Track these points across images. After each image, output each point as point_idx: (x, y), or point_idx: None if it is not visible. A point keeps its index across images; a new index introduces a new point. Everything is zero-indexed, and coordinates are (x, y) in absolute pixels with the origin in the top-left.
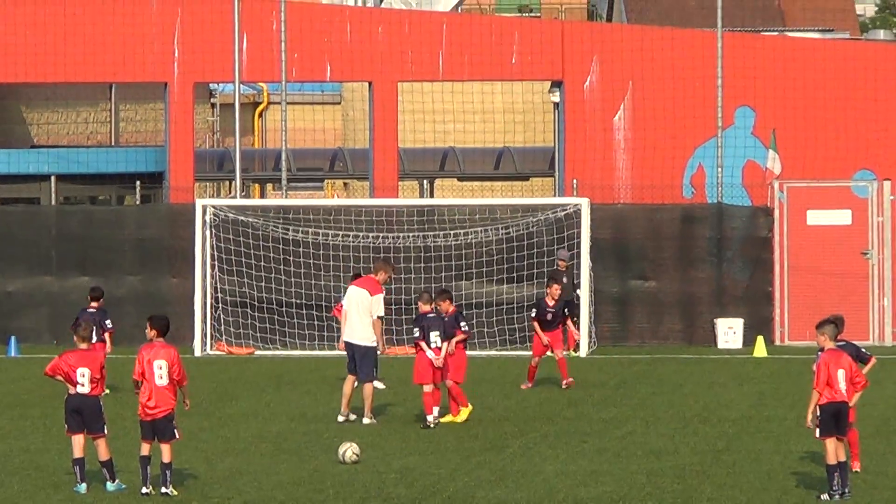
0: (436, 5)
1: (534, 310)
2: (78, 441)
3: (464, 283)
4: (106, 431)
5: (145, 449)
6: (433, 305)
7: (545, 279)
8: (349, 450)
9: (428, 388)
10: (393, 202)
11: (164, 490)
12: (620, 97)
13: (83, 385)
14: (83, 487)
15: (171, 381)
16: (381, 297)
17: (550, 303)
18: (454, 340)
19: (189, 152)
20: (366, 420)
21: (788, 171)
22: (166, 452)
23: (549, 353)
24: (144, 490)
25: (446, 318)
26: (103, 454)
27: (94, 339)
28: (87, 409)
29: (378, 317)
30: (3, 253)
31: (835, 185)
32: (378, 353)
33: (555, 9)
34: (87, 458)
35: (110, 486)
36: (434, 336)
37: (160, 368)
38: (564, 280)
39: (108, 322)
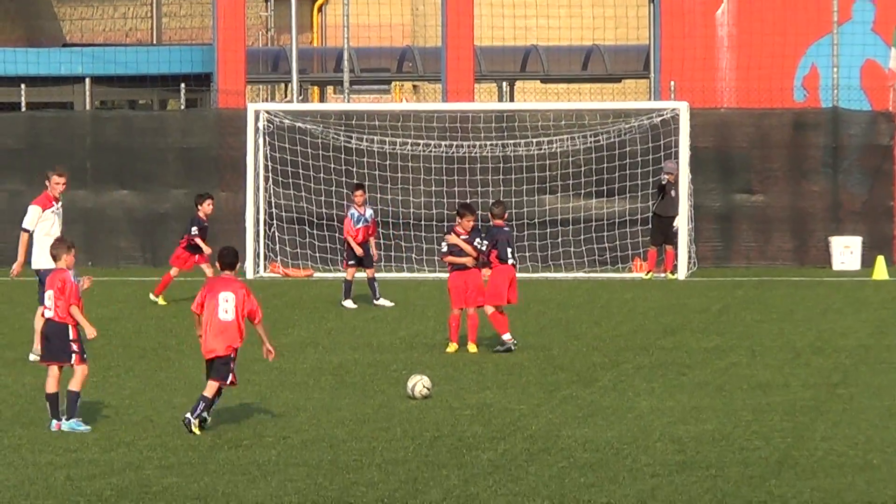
0: None
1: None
2: (51, 373)
3: (547, 197)
4: (75, 361)
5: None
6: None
7: (639, 192)
8: (419, 383)
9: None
10: (468, 107)
11: (187, 416)
12: None
13: (49, 308)
14: (54, 424)
15: (237, 316)
16: (33, 208)
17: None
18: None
19: (240, 51)
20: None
21: None
22: (212, 388)
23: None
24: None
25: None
26: (70, 384)
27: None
28: (53, 335)
29: (24, 229)
30: (33, 164)
31: None
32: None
33: None
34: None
35: (66, 424)
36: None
37: (226, 301)
38: (673, 193)
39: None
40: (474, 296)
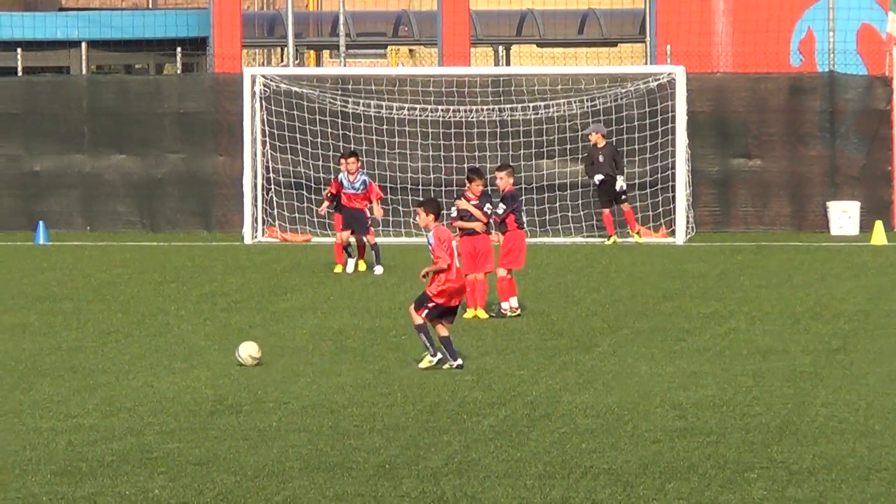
0: None
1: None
2: None
3: (545, 161)
4: None
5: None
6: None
7: (636, 156)
8: (246, 349)
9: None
10: (464, 71)
11: (457, 363)
12: None
13: None
14: None
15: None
16: None
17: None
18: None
19: (236, 15)
20: None
21: None
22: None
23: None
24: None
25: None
26: None
27: None
28: None
29: None
30: (30, 129)
31: None
32: None
33: None
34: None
35: None
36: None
37: (454, 248)
38: (601, 159)
39: None
40: (483, 261)
